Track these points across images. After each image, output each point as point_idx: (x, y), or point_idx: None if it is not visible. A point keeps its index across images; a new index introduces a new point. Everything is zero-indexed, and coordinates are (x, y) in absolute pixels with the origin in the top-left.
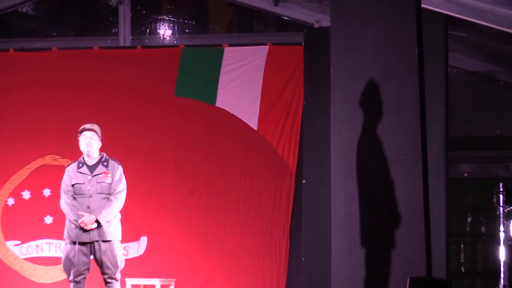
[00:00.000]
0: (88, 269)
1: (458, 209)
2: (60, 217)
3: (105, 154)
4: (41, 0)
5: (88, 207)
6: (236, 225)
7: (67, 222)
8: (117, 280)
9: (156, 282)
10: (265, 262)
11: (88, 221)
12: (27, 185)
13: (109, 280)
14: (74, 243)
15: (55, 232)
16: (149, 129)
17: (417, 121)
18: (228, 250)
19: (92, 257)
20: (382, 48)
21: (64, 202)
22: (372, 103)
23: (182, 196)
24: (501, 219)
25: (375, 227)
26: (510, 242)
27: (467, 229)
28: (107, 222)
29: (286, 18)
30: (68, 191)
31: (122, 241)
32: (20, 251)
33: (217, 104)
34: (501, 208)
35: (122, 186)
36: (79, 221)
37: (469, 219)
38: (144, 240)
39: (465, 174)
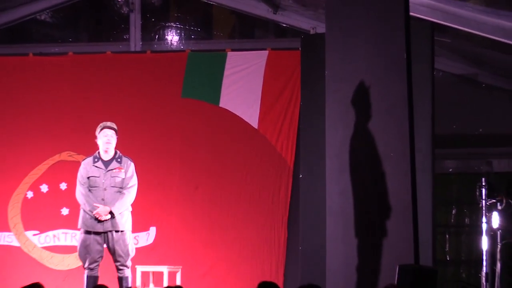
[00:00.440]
0: (102, 257)
1: (444, 202)
2: (75, 209)
3: (118, 151)
4: (58, 8)
5: (103, 199)
6: (238, 217)
7: (81, 212)
8: (128, 267)
9: (164, 269)
10: (265, 251)
11: (102, 212)
12: (45, 179)
13: (120, 267)
14: (89, 232)
15: (71, 222)
16: (158, 127)
17: (405, 120)
18: (230, 240)
19: (105, 246)
20: (373, 53)
21: (80, 193)
22: (363, 104)
23: (187, 190)
24: (484, 211)
25: (367, 218)
26: (491, 233)
27: (452, 220)
28: (120, 213)
29: (284, 25)
30: (84, 183)
31: (133, 231)
32: (38, 240)
33: (221, 105)
34: (484, 201)
35: (133, 181)
36: (94, 212)
37: (453, 211)
38: (153, 230)
39: (450, 170)
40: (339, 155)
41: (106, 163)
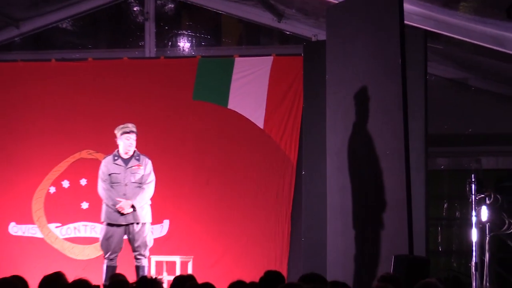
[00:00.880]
0: (121, 248)
1: (436, 196)
2: (94, 202)
3: (136, 150)
4: (78, 17)
5: (124, 194)
6: (245, 211)
7: (104, 206)
8: (145, 257)
9: (177, 259)
10: (270, 242)
11: (125, 206)
12: (66, 176)
13: (138, 257)
14: (112, 225)
15: (90, 216)
16: (170, 127)
17: (400, 121)
18: (238, 232)
19: (125, 237)
20: (370, 58)
21: (102, 188)
22: (361, 106)
23: (198, 186)
24: (473, 205)
25: (365, 212)
26: (481, 225)
27: (444, 214)
28: (140, 206)
29: (288, 32)
30: (105, 179)
31: None
32: (60, 232)
33: (229, 107)
34: (473, 196)
35: (151, 178)
36: (117, 206)
37: (445, 205)
38: (166, 223)
39: (442, 167)
40: (339, 153)
41: (126, 161)
